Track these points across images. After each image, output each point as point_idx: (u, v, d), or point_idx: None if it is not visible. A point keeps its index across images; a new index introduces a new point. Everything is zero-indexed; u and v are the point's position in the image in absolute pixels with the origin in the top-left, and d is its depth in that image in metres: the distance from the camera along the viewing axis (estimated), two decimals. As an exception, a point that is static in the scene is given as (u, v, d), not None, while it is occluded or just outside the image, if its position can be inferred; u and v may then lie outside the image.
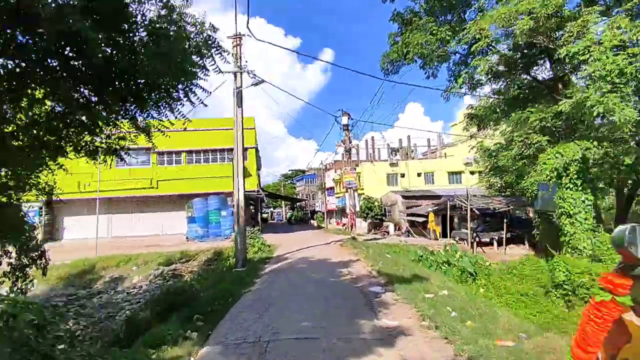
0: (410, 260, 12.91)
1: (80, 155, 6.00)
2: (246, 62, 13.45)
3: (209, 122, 25.98)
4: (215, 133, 25.62)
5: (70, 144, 5.45)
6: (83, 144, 5.55)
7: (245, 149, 26.54)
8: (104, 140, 5.76)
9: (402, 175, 39.21)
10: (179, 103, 5.22)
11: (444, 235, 25.51)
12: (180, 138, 25.00)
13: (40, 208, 24.43)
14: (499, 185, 25.45)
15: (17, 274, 8.94)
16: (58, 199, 7.26)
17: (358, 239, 18.66)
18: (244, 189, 13.23)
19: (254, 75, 13.37)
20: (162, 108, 5.18)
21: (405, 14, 17.74)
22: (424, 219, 25.86)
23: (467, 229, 24.92)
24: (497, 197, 21.17)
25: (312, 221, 47.73)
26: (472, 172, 39.97)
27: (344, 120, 18.42)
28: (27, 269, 9.08)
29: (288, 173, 76.68)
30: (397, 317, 6.23)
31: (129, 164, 25.63)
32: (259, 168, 29.52)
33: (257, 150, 26.58)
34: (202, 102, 5.36)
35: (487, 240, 18.71)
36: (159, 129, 5.64)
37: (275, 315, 6.08)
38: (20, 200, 6.17)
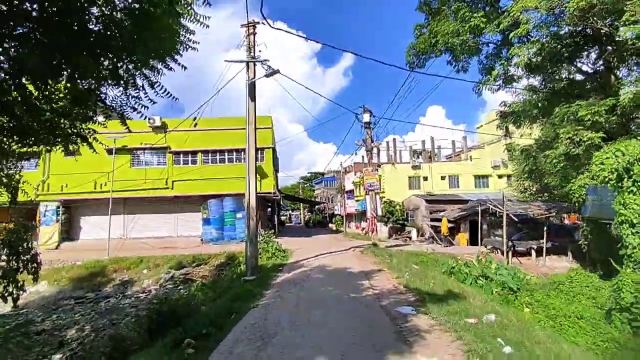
0: (441, 272, 11.39)
1: (54, 143, 4.98)
2: (259, 51, 12.32)
3: (225, 122, 25.13)
4: (231, 133, 24.74)
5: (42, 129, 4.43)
6: (54, 129, 4.52)
7: (261, 149, 25.58)
8: (74, 127, 4.69)
9: (425, 179, 37.45)
10: (157, 72, 4.10)
11: (472, 243, 23.68)
12: (197, 138, 24.29)
13: (58, 207, 24.15)
14: (534, 189, 23.47)
15: (7, 278, 7.98)
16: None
17: (379, 245, 17.24)
18: (257, 189, 12.05)
19: (269, 66, 12.21)
20: (138, 80, 4.06)
21: (432, 2, 16.27)
22: (451, 224, 24.10)
23: (499, 236, 23.05)
24: (533, 202, 19.23)
25: (330, 225, 46.45)
26: (500, 176, 37.76)
27: (366, 117, 17.07)
28: (18, 272, 8.10)
29: (307, 175, 75.75)
30: (437, 352, 4.83)
31: (145, 163, 25.23)
32: (276, 170, 28.50)
33: (274, 151, 25.53)
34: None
35: (523, 249, 16.86)
36: (134, 108, 4.48)
37: (278, 353, 4.76)
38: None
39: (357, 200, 45.59)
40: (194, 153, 24.71)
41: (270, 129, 24.93)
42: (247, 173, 11.83)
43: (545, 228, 15.48)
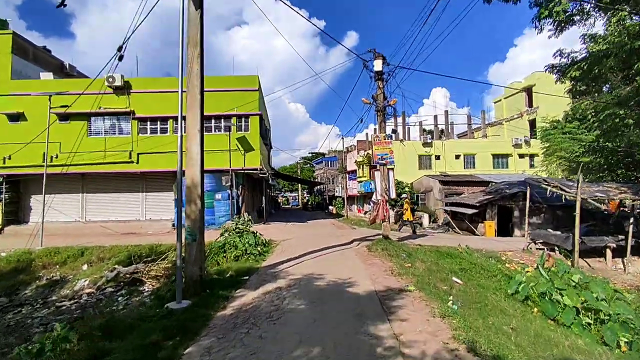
0: (506, 294, 6.71)
1: None
2: None
3: (206, 82, 20.14)
4: (212, 95, 19.80)
5: None
6: None
7: (245, 116, 20.59)
8: None
9: (437, 158, 32.61)
10: None
11: (501, 233, 19.02)
12: (167, 101, 19.38)
13: (0, 183, 19.56)
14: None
15: None
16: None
17: (391, 237, 12.61)
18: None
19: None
20: None
21: None
22: (473, 210, 19.37)
23: (535, 225, 18.36)
24: (608, 183, 14.30)
25: (330, 207, 41.87)
26: (521, 155, 32.78)
27: (377, 65, 12.12)
28: None
29: (308, 156, 70.76)
30: None
31: (105, 131, 20.39)
32: (267, 144, 23.63)
33: (262, 120, 20.60)
34: None
35: (595, 247, 12.08)
36: None
37: None
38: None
39: (360, 181, 40.82)
40: (164, 120, 19.84)
41: (257, 92, 19.93)
42: (179, 127, 7.09)
43: (633, 219, 10.68)
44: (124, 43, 8.61)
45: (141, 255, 13.43)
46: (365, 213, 39.90)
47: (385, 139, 12.46)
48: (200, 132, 7.24)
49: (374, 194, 22.08)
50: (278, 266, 9.01)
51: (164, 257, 13.21)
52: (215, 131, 19.88)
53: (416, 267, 8.48)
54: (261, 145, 20.21)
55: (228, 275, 8.20)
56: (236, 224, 12.59)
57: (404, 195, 22.77)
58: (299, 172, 53.15)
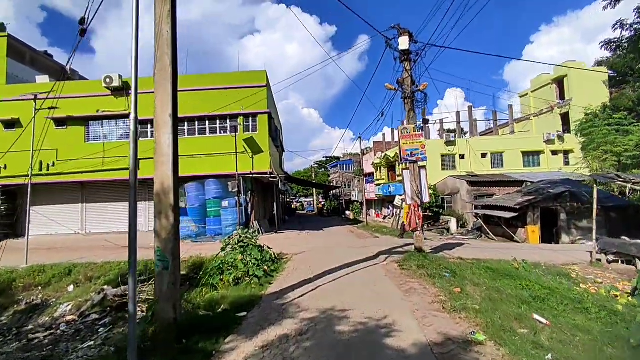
0: (631, 345, 4.41)
1: None
2: None
3: (207, 79, 18.39)
4: (217, 94, 18.04)
5: None
6: None
7: (252, 115, 18.62)
8: None
9: (462, 157, 30.00)
10: None
11: (546, 239, 16.41)
12: (168, 101, 17.63)
13: (-3, 195, 18.20)
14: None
15: None
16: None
17: (424, 249, 10.34)
18: (175, 136, 5.34)
19: None
20: None
21: None
22: (512, 214, 16.80)
23: (584, 229, 15.71)
24: None
25: (347, 212, 39.62)
26: (554, 152, 29.85)
27: (403, 43, 9.95)
28: None
29: (322, 160, 68.75)
30: None
31: (104, 136, 18.76)
32: (278, 146, 21.66)
33: (270, 118, 18.64)
34: None
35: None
36: None
37: None
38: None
39: (377, 185, 38.49)
40: (166, 122, 18.13)
41: (265, 88, 18.00)
42: (132, 115, 5.08)
43: None
44: (86, 14, 6.72)
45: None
46: (384, 218, 37.48)
47: (415, 131, 10.23)
48: (172, 119, 5.28)
49: (400, 197, 19.97)
50: (287, 294, 6.89)
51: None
52: (220, 133, 18.03)
53: (470, 295, 6.23)
54: (271, 147, 18.25)
55: (220, 310, 6.13)
56: (239, 237, 10.54)
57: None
58: (313, 176, 51.17)
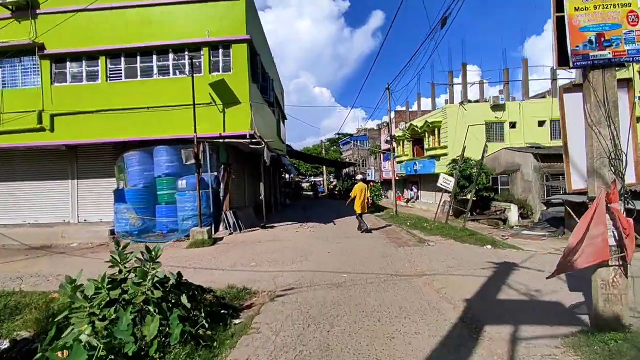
0: None
1: None
2: None
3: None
4: (168, 12, 11.21)
5: None
6: None
7: (226, 45, 10.49)
8: None
9: (513, 126, 22.72)
10: None
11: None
12: (98, 23, 11.00)
13: None
14: None
15: None
16: None
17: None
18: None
19: None
20: None
21: None
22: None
23: None
24: None
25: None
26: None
27: None
28: None
29: (333, 137, 61.49)
30: None
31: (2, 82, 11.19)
32: (270, 101, 14.54)
33: (252, 50, 11.68)
34: None
35: None
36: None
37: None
38: None
39: (399, 162, 31.43)
40: (92, 56, 11.42)
41: (243, 2, 11.00)
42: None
43: None
44: None
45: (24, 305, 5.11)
46: (407, 201, 30.55)
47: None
48: None
49: (446, 176, 13.71)
50: None
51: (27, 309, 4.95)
52: (175, 74, 11.24)
53: None
54: (253, 95, 11.42)
55: None
56: (137, 271, 3.86)
57: (358, 177, 13.72)
58: (323, 152, 44.29)
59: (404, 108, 32.89)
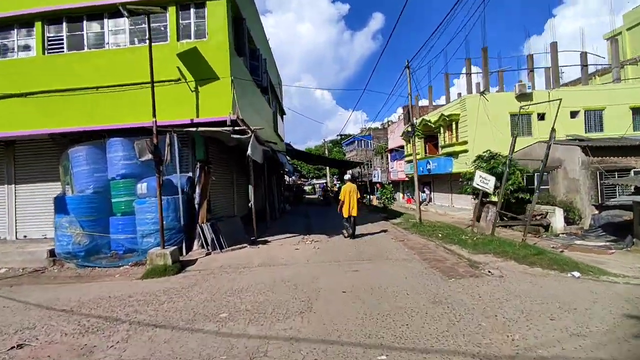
0: None
1: None
2: None
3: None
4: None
5: None
6: None
7: (198, 3, 8.43)
8: None
9: (541, 117, 19.83)
10: None
11: None
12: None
13: None
14: None
15: None
16: None
17: None
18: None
19: None
20: None
21: None
22: None
23: None
24: None
25: (371, 198, 29.83)
26: (685, 107, 19.26)
27: None
28: None
29: (336, 139, 58.58)
30: None
31: None
32: (263, 87, 11.67)
33: (235, 11, 8.84)
34: None
35: None
36: None
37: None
38: None
39: (408, 161, 28.51)
40: (24, 21, 8.63)
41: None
42: None
43: None
44: None
45: None
46: (420, 204, 27.53)
47: None
48: None
49: (481, 176, 10.30)
50: None
51: None
52: (134, 42, 8.42)
53: None
54: (236, 68, 8.58)
55: None
56: None
57: (347, 177, 11.35)
58: (326, 152, 41.34)
59: (413, 103, 30.00)
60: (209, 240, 8.14)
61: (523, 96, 19.51)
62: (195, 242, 8.20)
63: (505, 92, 20.89)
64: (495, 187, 14.06)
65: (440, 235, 9.80)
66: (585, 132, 18.99)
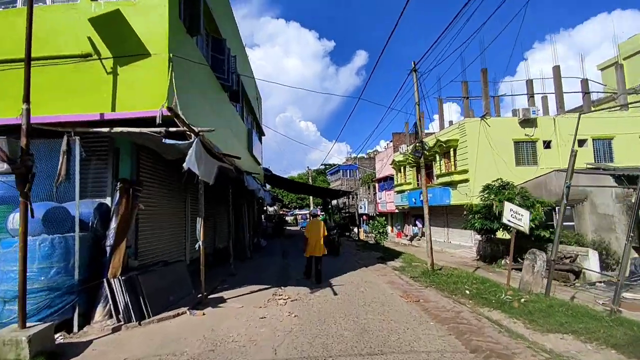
0: None
1: None
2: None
3: None
4: None
5: None
6: None
7: None
8: None
9: (547, 145, 18.08)
10: None
11: None
12: None
13: None
14: None
15: None
16: None
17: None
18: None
19: None
20: None
21: None
22: None
23: None
24: None
25: (360, 231, 26.85)
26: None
27: None
28: None
29: (320, 168, 56.28)
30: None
31: None
32: (229, 85, 8.97)
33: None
34: None
35: None
36: None
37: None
38: None
39: (398, 192, 26.06)
40: None
41: None
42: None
43: None
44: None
45: None
46: (411, 239, 24.80)
47: None
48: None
49: (512, 211, 6.39)
50: None
51: None
52: (15, 3, 5.67)
53: None
54: (178, 43, 5.90)
55: None
56: None
57: (314, 211, 9.65)
58: (310, 181, 38.61)
59: (404, 131, 28.12)
60: (121, 306, 5.03)
61: (527, 122, 17.75)
62: (99, 309, 5.07)
63: (503, 117, 19.13)
64: (512, 223, 11.49)
65: (467, 292, 6.93)
66: (595, 161, 17.23)
